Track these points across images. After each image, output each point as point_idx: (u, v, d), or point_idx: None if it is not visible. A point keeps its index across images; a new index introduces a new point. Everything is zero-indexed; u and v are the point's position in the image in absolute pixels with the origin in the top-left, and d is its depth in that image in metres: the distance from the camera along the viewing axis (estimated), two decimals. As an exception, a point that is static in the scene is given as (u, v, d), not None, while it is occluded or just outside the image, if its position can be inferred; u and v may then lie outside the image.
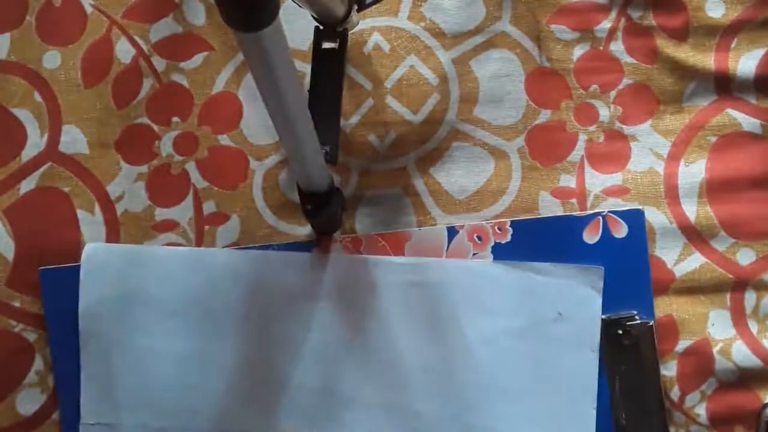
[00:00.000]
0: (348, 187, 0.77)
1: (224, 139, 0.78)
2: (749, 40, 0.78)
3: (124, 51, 0.79)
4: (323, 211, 0.68)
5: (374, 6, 0.74)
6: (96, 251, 0.76)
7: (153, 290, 0.75)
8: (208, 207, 0.77)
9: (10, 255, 0.77)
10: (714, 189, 0.77)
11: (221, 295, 0.75)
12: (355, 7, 0.70)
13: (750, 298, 0.76)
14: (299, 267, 0.75)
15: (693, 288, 0.76)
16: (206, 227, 0.77)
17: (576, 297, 0.74)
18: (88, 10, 0.79)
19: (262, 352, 0.74)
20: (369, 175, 0.78)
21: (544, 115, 0.78)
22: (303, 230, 0.77)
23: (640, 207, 0.76)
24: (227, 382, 0.74)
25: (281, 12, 0.47)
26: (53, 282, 0.76)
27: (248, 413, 0.74)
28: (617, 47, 0.79)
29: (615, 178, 0.77)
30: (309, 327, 0.74)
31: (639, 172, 0.77)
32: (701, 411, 0.75)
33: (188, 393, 0.74)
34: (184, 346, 0.74)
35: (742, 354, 0.75)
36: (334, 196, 0.69)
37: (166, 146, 0.78)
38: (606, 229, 0.75)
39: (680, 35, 0.79)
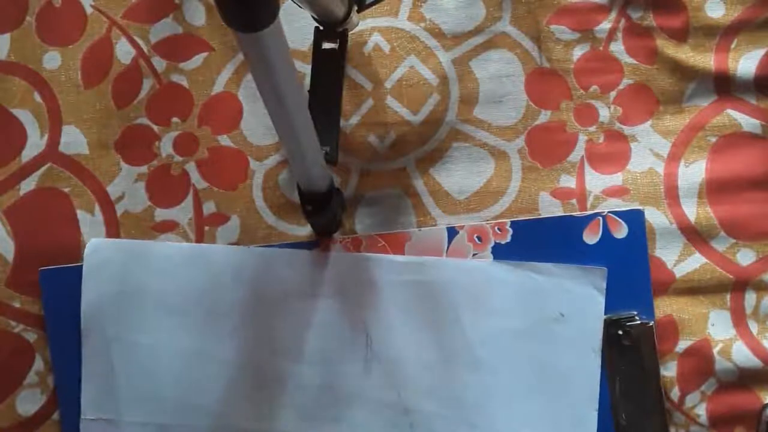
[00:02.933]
0: (348, 187, 0.77)
1: (224, 140, 0.78)
2: (749, 40, 0.78)
3: (124, 51, 0.79)
4: (323, 212, 0.68)
5: (374, 6, 0.74)
6: (99, 246, 0.76)
7: (155, 286, 0.75)
8: (208, 207, 0.77)
9: (10, 255, 0.77)
10: (714, 189, 0.77)
11: (223, 291, 0.75)
12: (355, 7, 0.70)
13: (750, 298, 0.76)
14: (300, 264, 0.75)
15: (693, 288, 0.76)
16: (206, 228, 0.77)
17: (579, 298, 0.74)
18: (88, 10, 0.79)
19: (263, 348, 0.74)
20: (369, 175, 0.78)
21: (544, 116, 0.78)
22: (303, 230, 0.77)
23: (640, 207, 0.76)
24: (228, 378, 0.74)
25: (281, 12, 0.47)
26: (53, 282, 0.76)
27: (248, 410, 0.74)
28: (617, 47, 0.79)
29: (615, 179, 0.77)
30: (310, 324, 0.74)
31: (639, 173, 0.77)
32: (701, 411, 0.75)
33: (189, 389, 0.74)
34: (185, 342, 0.74)
35: (742, 354, 0.75)
36: (334, 196, 0.69)
37: (166, 147, 0.78)
38: (606, 230, 0.75)
39: (680, 35, 0.79)
